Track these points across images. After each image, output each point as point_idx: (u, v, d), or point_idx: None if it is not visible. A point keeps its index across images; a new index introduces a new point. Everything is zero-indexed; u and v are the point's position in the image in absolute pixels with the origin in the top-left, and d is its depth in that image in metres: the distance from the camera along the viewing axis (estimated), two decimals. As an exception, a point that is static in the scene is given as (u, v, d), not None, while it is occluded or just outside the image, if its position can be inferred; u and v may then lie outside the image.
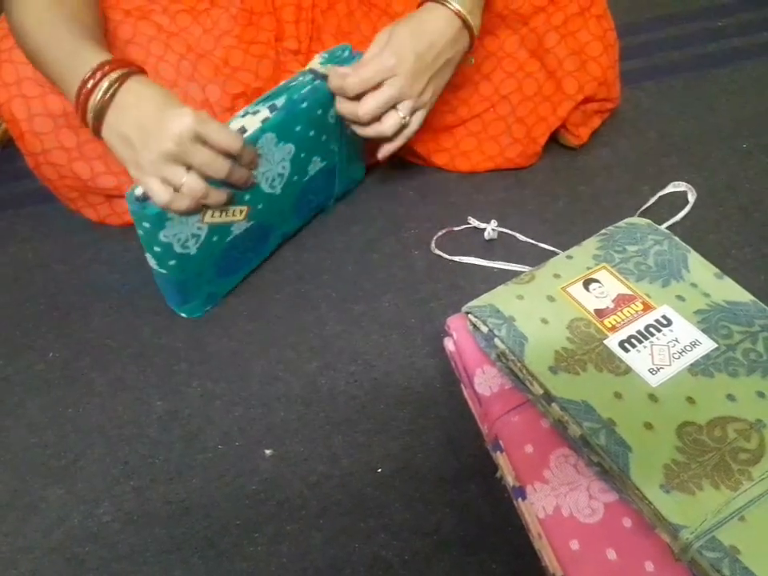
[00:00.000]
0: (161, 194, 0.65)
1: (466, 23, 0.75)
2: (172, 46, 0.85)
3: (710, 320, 0.57)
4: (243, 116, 0.72)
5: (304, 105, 0.74)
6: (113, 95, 0.65)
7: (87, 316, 0.82)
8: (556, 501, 0.51)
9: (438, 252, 0.84)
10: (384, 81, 0.73)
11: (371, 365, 0.74)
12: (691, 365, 0.54)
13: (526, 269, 0.77)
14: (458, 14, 0.75)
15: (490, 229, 0.83)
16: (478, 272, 0.81)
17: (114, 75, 0.65)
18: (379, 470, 0.66)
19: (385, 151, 0.80)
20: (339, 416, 0.70)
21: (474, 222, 0.86)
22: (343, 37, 0.93)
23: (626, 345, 0.55)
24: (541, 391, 0.53)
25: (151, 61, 0.84)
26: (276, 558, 0.61)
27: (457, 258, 0.83)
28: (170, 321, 0.82)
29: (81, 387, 0.77)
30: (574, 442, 0.52)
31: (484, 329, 0.58)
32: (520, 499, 0.54)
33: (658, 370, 0.53)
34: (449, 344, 0.65)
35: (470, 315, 0.60)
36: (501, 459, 0.56)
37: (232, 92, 0.88)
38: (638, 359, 0.54)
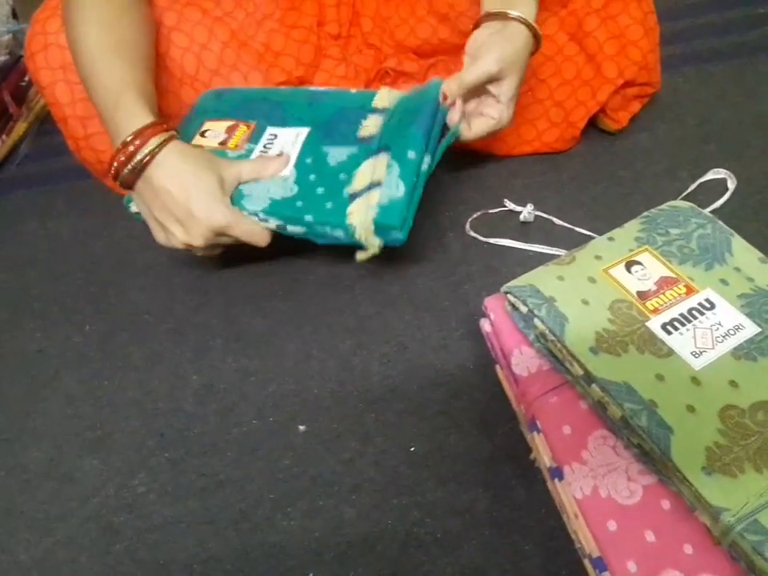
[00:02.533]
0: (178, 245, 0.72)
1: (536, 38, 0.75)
2: (216, 32, 0.85)
3: (754, 304, 0.56)
4: (265, 219, 0.73)
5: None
6: (152, 157, 0.68)
7: (123, 291, 0.83)
8: (594, 482, 0.51)
9: (472, 234, 0.83)
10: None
11: (405, 345, 0.74)
12: (734, 348, 0.53)
13: (562, 253, 0.77)
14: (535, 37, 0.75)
15: (526, 212, 0.83)
16: (513, 255, 0.81)
17: (153, 143, 0.68)
18: (412, 449, 0.66)
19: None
20: (372, 395, 0.70)
21: (509, 205, 0.85)
22: (382, 21, 0.93)
23: (669, 327, 0.54)
24: (581, 372, 0.53)
25: (194, 48, 0.85)
26: (309, 533, 0.61)
27: (492, 241, 0.82)
28: (204, 298, 0.82)
29: (117, 361, 0.78)
30: (614, 423, 0.52)
31: (523, 309, 0.58)
32: (556, 480, 0.54)
33: (701, 353, 0.53)
34: (485, 325, 0.65)
35: (508, 295, 0.60)
36: (537, 440, 0.56)
37: (275, 80, 0.89)
38: (680, 342, 0.53)
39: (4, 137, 1.04)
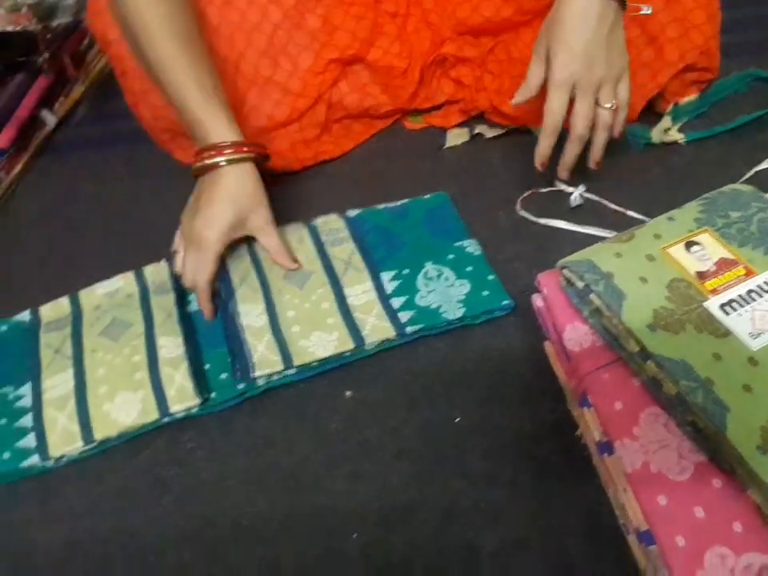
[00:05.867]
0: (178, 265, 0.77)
1: None
2: (269, 14, 0.86)
3: (814, 289, 0.56)
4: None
5: None
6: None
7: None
8: (645, 457, 0.51)
9: (523, 213, 0.83)
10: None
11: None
12: (793, 331, 0.53)
13: (612, 235, 0.76)
14: None
15: (578, 194, 0.83)
16: (563, 235, 0.80)
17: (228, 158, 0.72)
18: (457, 420, 0.66)
19: (596, 154, 0.78)
20: (419, 366, 0.71)
21: (561, 186, 0.85)
22: (443, -1, 0.93)
23: (727, 308, 0.54)
24: (637, 348, 0.53)
25: (246, 27, 0.85)
26: (354, 495, 0.62)
27: (543, 221, 0.82)
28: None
29: (170, 319, 0.79)
30: (668, 400, 0.52)
31: (579, 284, 0.58)
32: (606, 454, 0.54)
33: (759, 334, 0.52)
34: (537, 300, 0.65)
35: (564, 270, 0.60)
36: (587, 415, 0.56)
37: (327, 57, 0.89)
38: (738, 323, 0.53)
39: (62, 98, 1.06)
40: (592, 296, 0.56)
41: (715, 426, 0.48)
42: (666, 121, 0.88)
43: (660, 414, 0.53)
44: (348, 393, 0.70)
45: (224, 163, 0.71)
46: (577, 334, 0.59)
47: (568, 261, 0.60)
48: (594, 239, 0.78)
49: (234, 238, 0.75)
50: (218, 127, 0.72)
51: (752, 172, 0.83)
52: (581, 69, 0.70)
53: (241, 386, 0.70)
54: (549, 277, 0.64)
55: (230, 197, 0.72)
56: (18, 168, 0.99)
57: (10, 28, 0.89)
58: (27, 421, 0.69)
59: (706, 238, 0.59)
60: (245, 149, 0.72)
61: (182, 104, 0.72)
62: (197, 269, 0.73)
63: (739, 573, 0.45)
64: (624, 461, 0.52)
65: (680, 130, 0.88)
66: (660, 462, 0.51)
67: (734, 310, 0.54)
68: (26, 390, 0.71)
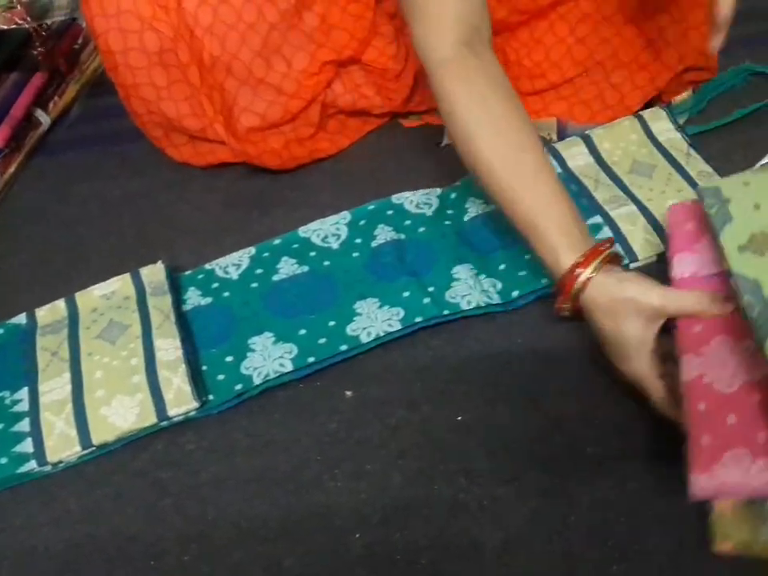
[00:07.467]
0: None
1: None
2: (265, 13, 0.85)
3: None
4: None
5: None
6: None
7: (173, 252, 0.84)
8: (701, 369, 0.54)
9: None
10: None
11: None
12: None
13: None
14: None
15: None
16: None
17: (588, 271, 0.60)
18: (459, 418, 0.66)
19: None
20: (418, 363, 0.71)
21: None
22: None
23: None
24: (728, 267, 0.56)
25: (240, 27, 0.84)
26: (355, 495, 0.62)
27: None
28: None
29: (166, 319, 0.78)
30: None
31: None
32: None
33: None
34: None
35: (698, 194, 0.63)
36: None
37: (323, 59, 0.88)
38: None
39: (56, 98, 1.06)
40: (709, 218, 0.60)
41: (759, 342, 0.50)
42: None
43: (731, 342, 0.55)
44: (348, 393, 0.69)
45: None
46: (680, 264, 0.63)
47: (703, 186, 0.63)
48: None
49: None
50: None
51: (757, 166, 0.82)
52: None
53: (238, 387, 0.69)
54: (679, 208, 0.67)
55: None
56: (12, 168, 0.98)
57: (4, 26, 0.88)
58: (24, 425, 0.68)
59: None
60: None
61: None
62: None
63: (755, 473, 0.48)
64: (684, 370, 0.55)
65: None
66: (714, 375, 0.54)
67: None
68: (23, 394, 0.70)
